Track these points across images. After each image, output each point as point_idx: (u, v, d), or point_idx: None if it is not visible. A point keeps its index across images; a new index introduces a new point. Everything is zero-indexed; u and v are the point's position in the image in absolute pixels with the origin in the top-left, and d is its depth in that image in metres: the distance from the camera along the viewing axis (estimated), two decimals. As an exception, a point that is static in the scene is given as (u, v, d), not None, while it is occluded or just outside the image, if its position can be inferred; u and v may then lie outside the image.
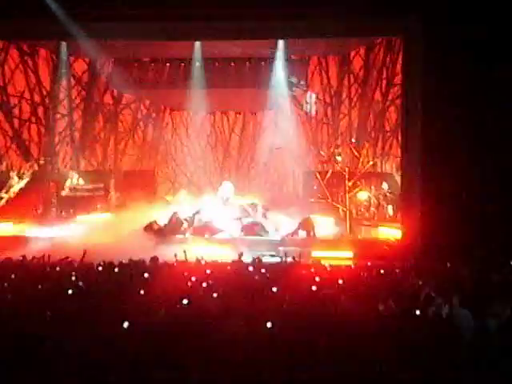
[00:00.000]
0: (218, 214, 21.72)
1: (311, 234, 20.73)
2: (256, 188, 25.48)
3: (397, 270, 13.41)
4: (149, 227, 20.75)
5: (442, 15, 16.89)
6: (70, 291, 10.42)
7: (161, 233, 20.59)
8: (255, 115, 28.05)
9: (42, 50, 24.34)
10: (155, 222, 21.01)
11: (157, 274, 12.36)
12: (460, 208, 17.03)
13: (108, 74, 25.52)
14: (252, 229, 21.04)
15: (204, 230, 20.78)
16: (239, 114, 28.43)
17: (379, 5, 16.96)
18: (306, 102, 26.47)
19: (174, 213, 21.48)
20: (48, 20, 17.32)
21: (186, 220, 21.46)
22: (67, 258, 13.89)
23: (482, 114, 16.85)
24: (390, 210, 21.38)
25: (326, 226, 21.66)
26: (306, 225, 20.91)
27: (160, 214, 21.57)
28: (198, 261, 14.66)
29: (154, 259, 14.59)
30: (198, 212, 21.77)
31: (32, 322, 8.37)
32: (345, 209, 21.37)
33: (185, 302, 9.41)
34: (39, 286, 11.00)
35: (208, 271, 12.73)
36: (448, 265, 13.41)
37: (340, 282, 11.47)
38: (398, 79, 21.39)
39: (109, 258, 14.54)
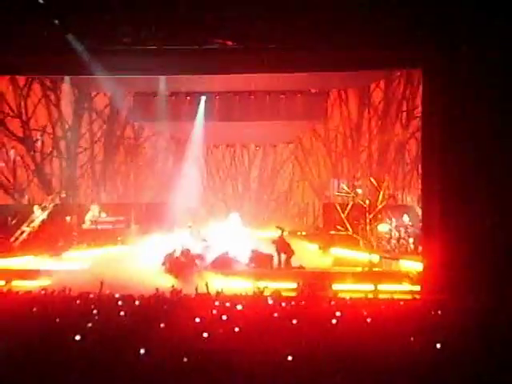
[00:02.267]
0: (230, 245, 21.64)
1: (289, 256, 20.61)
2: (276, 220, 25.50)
3: (418, 304, 13.34)
4: (168, 258, 20.68)
5: (462, 47, 16.91)
6: (89, 324, 10.45)
7: (179, 264, 20.52)
8: (275, 148, 28.13)
9: (64, 84, 24.63)
10: (174, 252, 20.95)
11: (178, 307, 12.36)
12: (482, 241, 16.90)
13: (129, 108, 25.77)
14: (263, 259, 20.80)
15: (220, 263, 20.65)
16: (259, 146, 28.54)
17: (398, 37, 17.00)
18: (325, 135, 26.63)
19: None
20: (70, 56, 17.52)
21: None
22: (88, 293, 13.89)
23: (502, 148, 16.80)
24: (410, 242, 21.29)
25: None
26: (282, 246, 20.82)
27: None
28: (219, 293, 14.65)
29: (175, 292, 14.61)
30: (207, 245, 21.70)
31: (52, 355, 8.38)
32: (365, 241, 21.30)
33: (205, 335, 9.40)
34: (57, 320, 11.03)
35: (228, 304, 12.71)
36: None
37: (360, 316, 11.42)
38: (418, 111, 21.43)
39: (129, 290, 14.62)
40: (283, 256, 20.73)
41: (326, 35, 17.06)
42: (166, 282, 16.91)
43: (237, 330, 10.01)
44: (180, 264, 20.56)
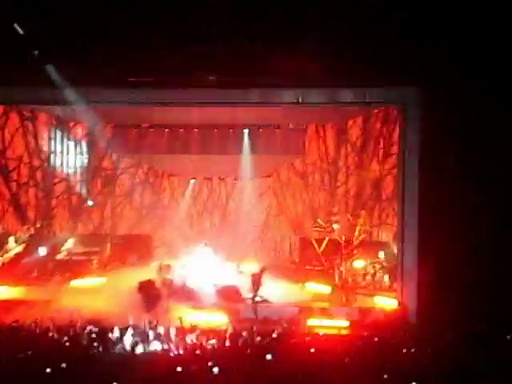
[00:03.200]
0: (197, 278, 21.58)
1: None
2: (253, 254, 25.47)
3: (392, 341, 13.33)
4: (143, 287, 20.56)
5: (439, 87, 17.11)
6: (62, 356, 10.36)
7: (154, 294, 20.43)
8: (252, 181, 28.13)
9: (42, 114, 24.56)
10: (150, 281, 20.86)
11: (153, 340, 12.30)
12: (458, 278, 16.97)
13: (107, 139, 25.74)
14: (229, 293, 20.68)
15: (182, 295, 20.52)
16: (236, 179, 28.53)
17: (376, 76, 17.18)
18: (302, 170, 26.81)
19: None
20: (47, 86, 17.55)
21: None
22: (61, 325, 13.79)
23: (480, 185, 16.95)
24: (386, 278, 21.30)
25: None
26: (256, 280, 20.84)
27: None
28: (193, 327, 14.59)
29: (151, 324, 14.55)
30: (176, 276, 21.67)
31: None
32: (341, 277, 21.30)
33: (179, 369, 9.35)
34: (29, 352, 10.91)
35: (202, 338, 12.65)
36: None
37: (335, 351, 11.40)
38: (394, 149, 21.53)
39: (103, 323, 14.54)
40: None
41: (306, 72, 17.23)
42: (139, 314, 16.80)
43: (210, 364, 9.97)
44: (155, 292, 20.45)
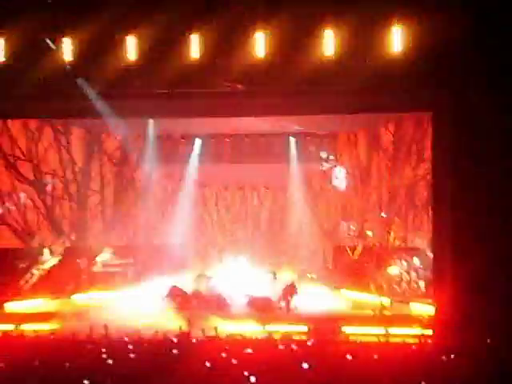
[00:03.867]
0: (230, 286, 21.64)
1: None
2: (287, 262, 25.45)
3: (430, 348, 13.22)
4: (171, 293, 20.76)
5: (470, 91, 16.97)
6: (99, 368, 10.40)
7: (184, 300, 20.58)
8: (285, 190, 28.12)
9: (75, 127, 24.81)
10: (176, 287, 21.03)
11: (187, 352, 12.29)
12: (494, 283, 16.78)
13: (139, 151, 25.92)
14: (262, 304, 20.67)
15: (212, 302, 20.58)
16: (268, 188, 28.55)
17: (407, 81, 17.08)
18: (336, 177, 26.66)
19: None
20: (80, 100, 17.67)
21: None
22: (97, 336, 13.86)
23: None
24: (421, 285, 21.15)
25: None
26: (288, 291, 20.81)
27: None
28: (227, 337, 14.60)
29: (185, 335, 14.57)
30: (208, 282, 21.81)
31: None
32: (376, 284, 21.20)
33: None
34: (67, 364, 10.97)
35: (238, 348, 12.61)
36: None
37: (372, 359, 11.33)
38: (427, 154, 21.36)
39: (138, 333, 14.61)
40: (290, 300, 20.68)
41: (338, 79, 17.15)
42: (173, 323, 16.86)
43: (247, 374, 9.95)
44: (185, 299, 20.61)
